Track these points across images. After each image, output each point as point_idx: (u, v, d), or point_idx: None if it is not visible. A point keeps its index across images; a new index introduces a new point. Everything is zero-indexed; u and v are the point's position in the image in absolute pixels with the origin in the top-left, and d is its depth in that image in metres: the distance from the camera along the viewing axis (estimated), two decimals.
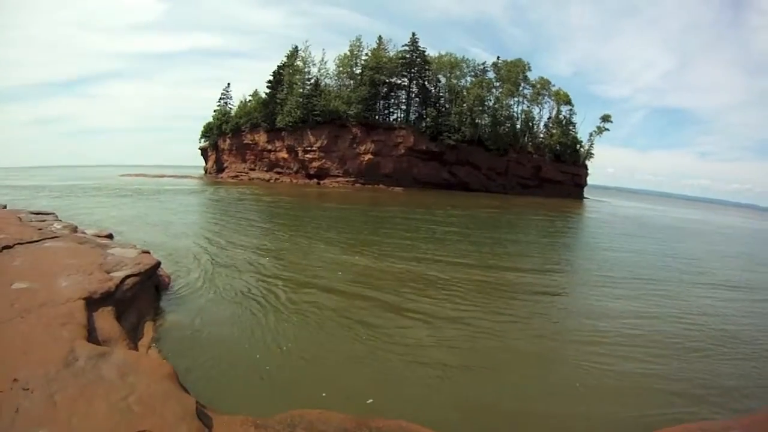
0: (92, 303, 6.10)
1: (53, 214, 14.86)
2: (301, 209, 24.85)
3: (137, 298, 7.54)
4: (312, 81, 52.11)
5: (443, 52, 51.39)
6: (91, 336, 5.16)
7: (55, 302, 5.69)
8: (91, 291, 6.31)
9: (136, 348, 5.92)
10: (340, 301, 8.05)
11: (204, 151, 67.79)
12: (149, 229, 16.04)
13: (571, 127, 53.18)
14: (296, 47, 54.65)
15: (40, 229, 10.59)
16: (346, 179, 48.31)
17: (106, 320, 5.96)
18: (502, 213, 26.97)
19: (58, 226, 12.40)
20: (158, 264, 8.91)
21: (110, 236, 13.23)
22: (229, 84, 67.67)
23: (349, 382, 5.01)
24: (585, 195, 54.35)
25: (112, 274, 7.43)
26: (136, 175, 65.63)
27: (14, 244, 8.18)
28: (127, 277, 7.45)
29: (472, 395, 4.84)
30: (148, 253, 9.84)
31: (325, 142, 49.26)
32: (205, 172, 66.99)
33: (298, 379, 5.09)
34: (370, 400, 4.56)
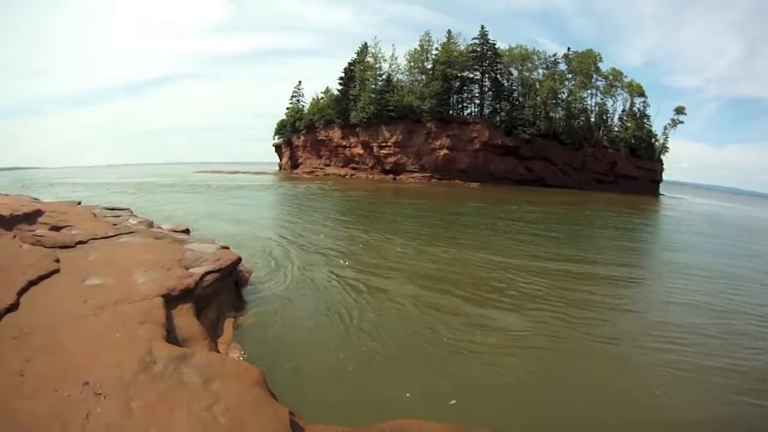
0: (171, 300, 6.41)
1: (128, 209, 16.72)
2: (377, 204, 26.92)
3: (217, 295, 7.94)
4: (384, 77, 58.10)
5: (513, 45, 55.34)
6: (170, 335, 5.34)
7: (131, 299, 6.03)
8: (169, 287, 6.64)
9: (216, 347, 6.12)
10: (420, 297, 8.62)
11: (278, 148, 77.33)
12: (225, 224, 17.49)
13: (645, 120, 55.80)
14: (366, 44, 61.40)
15: (115, 225, 11.78)
16: (422, 174, 53.27)
17: (185, 318, 6.24)
18: (579, 209, 28.40)
19: (134, 222, 13.82)
20: (239, 260, 9.33)
21: (187, 231, 14.25)
22: (300, 82, 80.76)
23: (431, 382, 5.41)
24: (660, 191, 56.86)
25: (191, 270, 7.83)
26: (211, 172, 74.61)
27: (89, 240, 9.03)
28: (207, 273, 7.82)
29: (556, 403, 5.13)
30: (227, 248, 10.37)
31: (400, 137, 54.59)
32: (280, 168, 76.67)
33: (382, 379, 5.48)
34: (453, 401, 4.90)
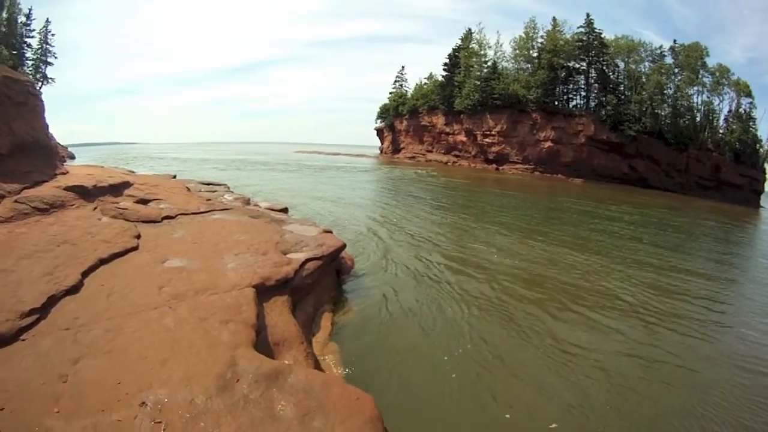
0: (264, 291, 6.40)
1: (225, 185, 18.28)
2: (480, 194, 31.66)
3: (317, 285, 8.23)
4: (489, 64, 69.59)
5: (619, 35, 64.69)
6: (260, 336, 5.15)
7: (216, 289, 5.93)
8: (264, 276, 6.66)
9: (312, 350, 5.99)
10: (522, 297, 9.98)
11: (380, 132, 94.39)
12: (325, 205, 20.33)
13: (750, 123, 63.24)
14: (470, 30, 73.72)
15: (208, 200, 12.57)
16: (525, 166, 63.00)
17: (280, 315, 6.19)
18: (679, 214, 32.58)
19: (229, 198, 14.84)
20: (343, 246, 9.75)
21: (286, 210, 15.32)
22: (403, 67, 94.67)
23: (533, 401, 6.13)
24: (761, 203, 62.00)
25: (290, 256, 8.07)
26: (311, 152, 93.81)
27: (177, 215, 9.61)
28: (308, 260, 8.11)
29: None
30: (330, 232, 10.92)
31: (505, 126, 64.74)
32: (381, 152, 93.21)
33: (484, 394, 6.17)
34: (554, 425, 5.57)
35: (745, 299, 12.43)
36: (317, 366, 5.61)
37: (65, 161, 47.85)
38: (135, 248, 7.30)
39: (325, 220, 15.43)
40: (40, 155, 11.00)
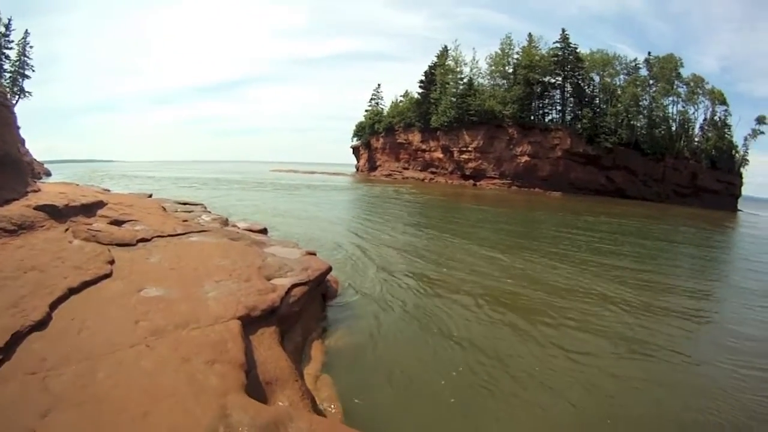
0: (250, 323, 5.94)
1: (201, 204, 17.68)
2: (459, 210, 32.16)
3: (304, 312, 7.82)
4: (465, 80, 72.03)
5: (594, 49, 67.76)
6: (250, 376, 4.71)
7: (199, 322, 5.45)
8: (248, 306, 6.19)
9: (306, 386, 5.58)
10: (508, 315, 9.71)
11: (356, 150, 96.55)
12: (303, 225, 20.02)
13: (726, 130, 67.34)
14: (446, 47, 76.18)
15: (185, 221, 11.99)
16: (502, 181, 65.26)
17: (269, 349, 5.73)
18: (657, 222, 33.48)
19: (207, 218, 14.15)
20: (329, 269, 9.41)
21: (265, 231, 14.89)
22: (379, 85, 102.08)
23: (533, 419, 5.97)
24: (738, 206, 66.34)
25: (274, 282, 7.62)
26: (287, 171, 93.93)
27: (153, 237, 9.06)
28: (295, 286, 7.68)
29: None
30: (314, 254, 10.50)
31: (481, 142, 67.18)
32: (357, 170, 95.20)
33: (486, 418, 5.94)
34: None
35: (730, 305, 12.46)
36: (314, 405, 5.18)
37: (41, 178, 47.60)
38: (108, 275, 6.76)
39: (305, 241, 15.14)
40: (11, 171, 10.35)
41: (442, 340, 8.32)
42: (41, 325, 5.12)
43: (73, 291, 6.03)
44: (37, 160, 62.15)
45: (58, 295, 5.79)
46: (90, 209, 10.36)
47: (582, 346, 8.41)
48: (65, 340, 4.84)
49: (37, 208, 8.96)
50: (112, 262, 7.35)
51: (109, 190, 23.69)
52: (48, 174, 56.77)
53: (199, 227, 11.29)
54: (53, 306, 5.56)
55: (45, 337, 4.89)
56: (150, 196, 20.78)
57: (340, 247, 15.54)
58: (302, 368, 6.60)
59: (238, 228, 14.19)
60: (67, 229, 8.79)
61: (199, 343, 4.95)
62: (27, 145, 61.32)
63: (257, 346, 5.70)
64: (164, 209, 13.58)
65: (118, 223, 10.18)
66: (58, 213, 9.26)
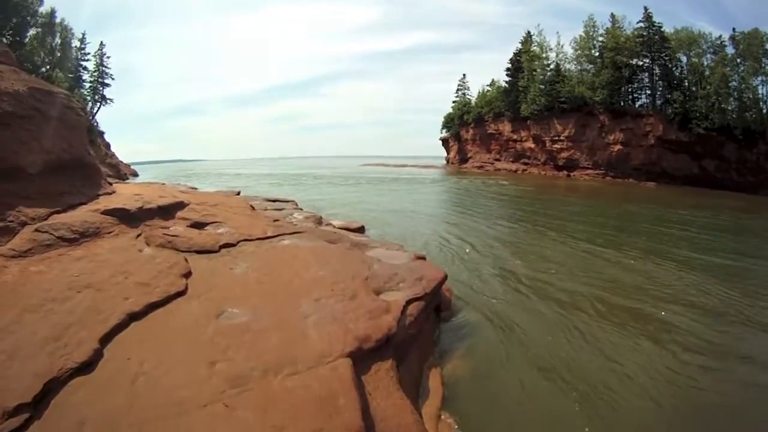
0: (362, 359, 4.68)
1: (292, 201, 17.18)
2: (555, 204, 30.42)
3: (420, 334, 6.60)
4: (552, 66, 70.70)
5: (678, 27, 63.90)
6: None
7: (296, 363, 4.04)
8: (360, 336, 4.91)
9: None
10: (649, 346, 8.14)
11: (445, 142, 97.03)
12: (399, 221, 19.09)
13: None
14: (529, 32, 75.60)
15: (276, 221, 10.97)
16: (596, 172, 63.45)
17: (388, 397, 4.46)
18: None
19: (299, 217, 13.15)
20: (445, 277, 8.16)
21: (362, 229, 14.16)
22: (464, 75, 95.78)
23: None
24: None
25: (384, 297, 6.37)
26: (376, 165, 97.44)
27: (239, 242, 7.99)
28: (410, 301, 6.42)
29: None
30: (423, 258, 9.19)
31: (573, 131, 65.28)
32: (447, 162, 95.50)
33: None
34: None
35: None
36: None
37: (128, 179, 51.08)
38: (182, 293, 5.58)
39: (403, 239, 14.27)
40: (80, 174, 9.71)
41: (573, 360, 7.29)
42: (87, 367, 4.09)
43: (134, 317, 4.87)
44: (124, 162, 67.49)
45: (113, 323, 4.65)
46: (168, 211, 9.41)
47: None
48: (115, 391, 3.72)
49: (106, 212, 8.09)
50: (188, 275, 6.18)
51: (195, 188, 24.34)
52: (135, 175, 62.38)
53: (291, 228, 10.09)
54: (106, 339, 4.47)
55: (89, 385, 3.84)
56: (238, 193, 20.42)
57: (441, 246, 14.66)
58: (420, 406, 5.49)
59: (334, 226, 13.35)
60: (139, 235, 7.83)
61: (298, 400, 3.63)
62: (114, 149, 67.43)
63: (373, 392, 4.39)
64: (252, 208, 12.63)
65: (199, 225, 9.15)
66: (129, 217, 8.34)
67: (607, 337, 8.16)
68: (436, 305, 8.31)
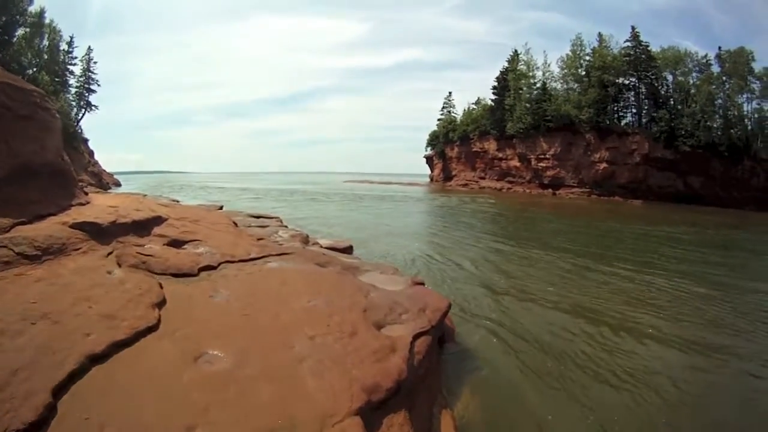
0: (372, 414, 4.07)
1: (277, 218, 16.46)
2: (540, 222, 31.09)
3: (428, 373, 5.96)
4: (538, 85, 72.86)
5: (664, 47, 67.75)
6: None
7: (293, 426, 3.37)
8: (367, 386, 4.25)
9: None
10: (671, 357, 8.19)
11: (429, 159, 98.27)
12: (386, 239, 18.65)
13: None
14: (516, 51, 77.92)
15: (260, 239, 10.28)
16: (581, 190, 65.39)
17: None
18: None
19: (285, 235, 12.41)
20: (449, 306, 7.61)
21: (350, 249, 13.52)
22: (450, 93, 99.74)
23: None
24: None
25: (387, 332, 5.77)
26: (360, 182, 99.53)
27: (220, 264, 7.27)
28: (416, 337, 5.82)
29: None
30: (422, 283, 8.70)
31: (559, 149, 67.23)
32: (431, 179, 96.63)
33: None
34: None
35: None
36: None
37: (110, 188, 50.07)
38: (153, 328, 4.82)
39: (393, 259, 14.28)
40: (52, 182, 8.90)
41: (583, 391, 6.86)
42: (36, 429, 3.24)
43: (95, 359, 4.11)
44: (107, 171, 66.49)
45: (70, 368, 3.90)
46: (144, 227, 8.60)
47: None
48: None
49: (75, 226, 7.28)
50: (161, 304, 5.43)
51: (178, 201, 24.04)
52: (118, 184, 62.25)
53: (277, 248, 9.35)
54: (61, 389, 3.68)
55: None
56: (221, 208, 19.62)
57: (428, 264, 14.49)
58: None
59: (321, 246, 12.70)
60: (110, 253, 7.04)
61: None
62: (98, 157, 66.38)
63: None
64: (235, 224, 11.87)
65: (177, 243, 8.38)
66: (101, 232, 7.53)
67: (614, 360, 7.91)
68: (439, 336, 7.52)
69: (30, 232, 6.56)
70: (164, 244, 8.09)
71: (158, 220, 9.27)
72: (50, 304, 4.87)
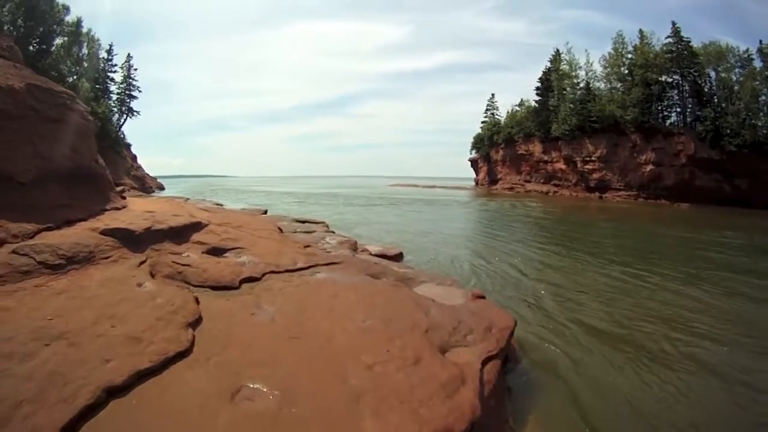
0: None
1: (323, 222, 15.97)
2: (592, 227, 29.76)
3: (500, 404, 5.41)
4: (582, 85, 71.70)
5: (706, 42, 64.43)
6: None
7: None
8: (439, 429, 3.54)
9: None
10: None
11: (474, 163, 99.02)
12: (435, 246, 17.57)
13: None
14: (558, 51, 76.58)
15: (307, 246, 9.72)
16: (628, 193, 64.09)
17: None
18: None
19: (333, 242, 11.83)
20: (515, 324, 6.93)
21: (400, 256, 13.02)
22: (493, 95, 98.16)
23: None
24: None
25: (452, 355, 5.12)
26: (405, 186, 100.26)
27: (264, 274, 6.64)
28: (485, 361, 5.20)
29: None
30: (482, 296, 7.98)
31: (605, 151, 66.30)
32: (476, 183, 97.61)
33: None
34: None
35: None
36: None
37: (153, 192, 51.47)
38: (185, 353, 4.15)
39: (445, 268, 13.43)
40: (84, 186, 8.55)
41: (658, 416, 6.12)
42: None
43: (113, 392, 3.48)
44: (151, 175, 68.41)
45: (83, 403, 3.28)
46: (181, 233, 8.04)
47: None
48: None
49: (105, 232, 6.79)
50: (196, 323, 4.77)
51: (221, 205, 23.87)
52: (161, 188, 63.97)
53: (326, 257, 8.67)
54: (69, 430, 3.02)
55: None
56: (265, 212, 19.42)
57: (476, 271, 13.73)
58: None
59: (370, 253, 12.19)
60: (143, 262, 6.49)
61: None
62: (143, 161, 68.35)
63: None
64: (281, 230, 11.30)
65: (217, 251, 7.80)
66: (134, 239, 7.01)
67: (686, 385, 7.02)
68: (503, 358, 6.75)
69: (55, 239, 6.09)
70: (203, 252, 7.52)
71: (197, 226, 8.74)
72: (69, 322, 4.30)
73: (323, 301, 5.91)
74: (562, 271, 14.54)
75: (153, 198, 19.44)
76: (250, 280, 6.43)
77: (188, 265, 6.41)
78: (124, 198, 10.84)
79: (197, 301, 5.28)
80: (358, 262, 8.93)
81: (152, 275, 6.08)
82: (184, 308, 4.90)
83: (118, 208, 9.02)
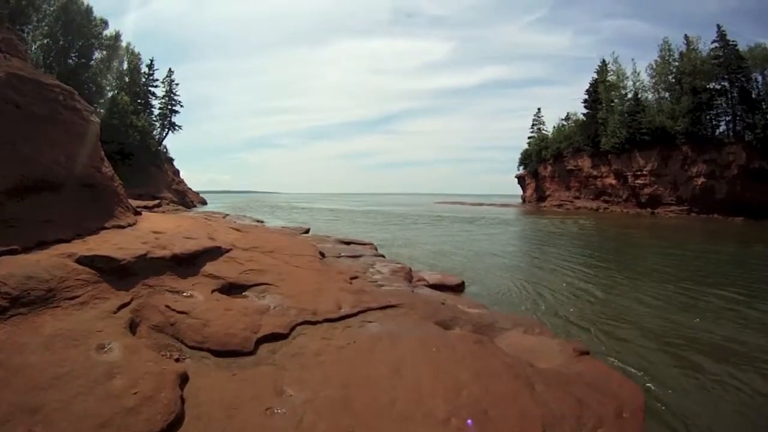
0: None
1: (371, 244, 14.52)
2: (653, 247, 27.88)
3: None
4: (630, 96, 71.69)
5: (752, 45, 64.13)
6: None
7: None
8: None
9: None
10: None
11: (521, 179, 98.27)
12: (494, 271, 16.11)
13: None
14: (604, 61, 76.87)
15: (354, 278, 7.99)
16: (679, 208, 63.06)
17: None
18: None
19: (384, 270, 10.09)
20: (644, 400, 5.13)
21: (461, 285, 11.93)
22: (539, 109, 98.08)
23: None
24: None
25: None
26: (452, 203, 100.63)
27: (294, 326, 4.93)
28: None
29: None
30: (586, 352, 6.20)
31: (656, 164, 65.26)
32: (523, 200, 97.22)
33: None
34: None
35: None
36: None
37: (195, 207, 51.84)
38: None
39: (508, 296, 12.36)
40: (78, 198, 7.00)
41: None
42: None
43: None
44: (194, 190, 69.80)
45: None
46: (190, 262, 6.25)
47: None
48: None
49: (82, 260, 5.07)
50: (173, 427, 2.90)
51: (262, 222, 23.57)
52: (204, 203, 65.40)
53: (379, 297, 6.74)
54: None
55: None
56: (307, 231, 18.08)
57: (541, 298, 12.33)
58: None
59: (427, 281, 10.82)
60: (124, 305, 4.69)
61: None
62: (190, 177, 69.62)
63: None
64: (322, 255, 9.55)
65: (235, 288, 5.99)
66: (119, 271, 5.23)
67: None
68: None
69: (4, 269, 4.38)
70: (214, 290, 5.73)
71: (215, 252, 7.02)
72: None
73: (381, 378, 4.01)
74: (642, 298, 12.85)
75: (175, 214, 18.25)
76: (273, 338, 4.63)
77: (185, 313, 4.65)
78: (138, 213, 9.30)
79: (183, 379, 3.46)
80: (421, 303, 6.97)
81: (133, 327, 4.32)
82: (153, 401, 3.05)
83: (122, 226, 7.43)
